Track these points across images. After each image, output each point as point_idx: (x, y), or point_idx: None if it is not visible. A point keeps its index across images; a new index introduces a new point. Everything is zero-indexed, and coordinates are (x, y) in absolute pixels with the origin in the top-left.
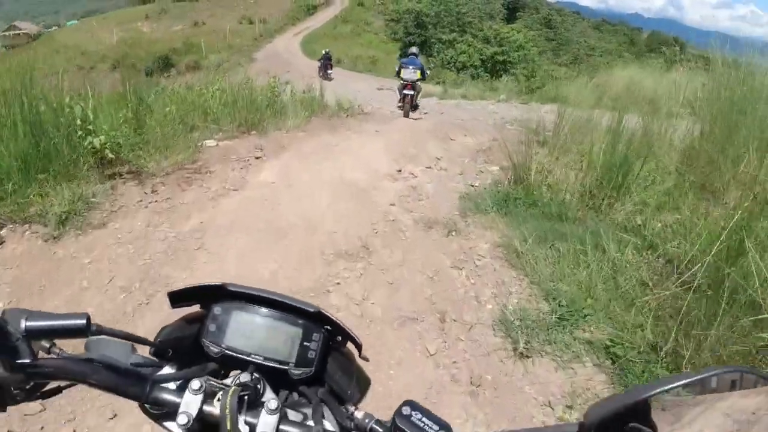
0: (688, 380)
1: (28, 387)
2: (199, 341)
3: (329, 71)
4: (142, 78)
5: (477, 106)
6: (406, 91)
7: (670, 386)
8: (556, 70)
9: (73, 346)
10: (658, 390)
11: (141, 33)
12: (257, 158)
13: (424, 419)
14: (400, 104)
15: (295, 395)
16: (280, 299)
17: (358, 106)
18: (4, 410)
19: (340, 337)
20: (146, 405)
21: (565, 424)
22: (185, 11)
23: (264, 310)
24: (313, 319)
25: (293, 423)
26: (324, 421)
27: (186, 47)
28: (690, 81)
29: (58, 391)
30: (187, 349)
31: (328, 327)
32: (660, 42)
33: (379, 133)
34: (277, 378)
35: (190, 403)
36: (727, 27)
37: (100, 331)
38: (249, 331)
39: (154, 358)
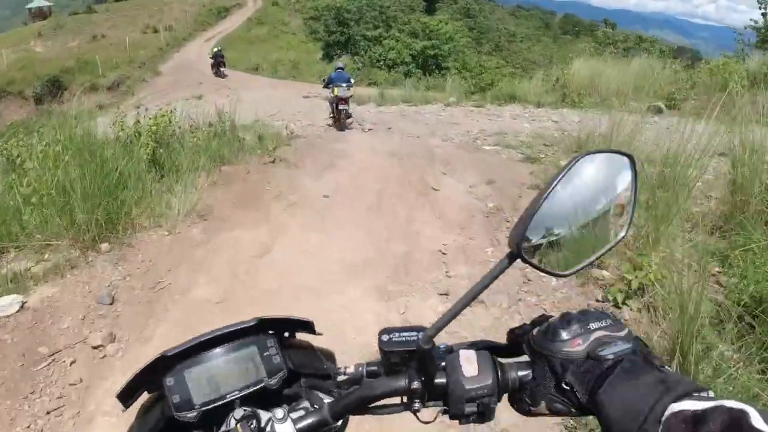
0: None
1: None
2: (171, 418)
3: (222, 69)
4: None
5: (425, 112)
6: (341, 107)
7: None
8: (487, 61)
9: None
10: None
11: (33, 53)
12: (97, 349)
13: (402, 334)
14: (333, 116)
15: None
16: (218, 333)
17: (287, 133)
18: None
19: (287, 333)
20: None
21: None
22: (82, 25)
23: (210, 352)
24: (257, 330)
25: (304, 418)
26: (324, 401)
27: (79, 65)
28: (651, 69)
29: None
30: None
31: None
32: (573, 24)
33: (330, 203)
34: (260, 398)
35: None
36: (632, 4)
37: None
38: (211, 379)
39: None
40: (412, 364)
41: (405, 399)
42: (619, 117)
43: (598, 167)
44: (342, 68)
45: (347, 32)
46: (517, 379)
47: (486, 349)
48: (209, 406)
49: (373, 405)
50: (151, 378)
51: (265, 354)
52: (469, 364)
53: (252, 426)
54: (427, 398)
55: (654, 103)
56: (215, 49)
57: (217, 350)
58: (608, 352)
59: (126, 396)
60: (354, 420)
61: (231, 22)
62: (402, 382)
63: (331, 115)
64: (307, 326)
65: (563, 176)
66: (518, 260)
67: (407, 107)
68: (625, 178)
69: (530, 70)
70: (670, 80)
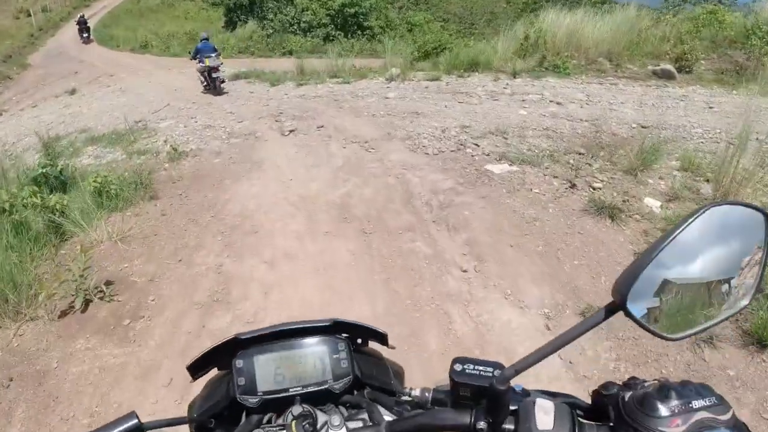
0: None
1: None
2: (234, 399)
3: (85, 35)
4: None
5: (365, 94)
6: (214, 75)
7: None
8: (412, 16)
9: None
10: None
11: None
12: None
13: (477, 367)
14: (205, 85)
15: (342, 407)
16: (293, 327)
17: (167, 156)
18: None
19: (360, 340)
20: None
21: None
22: None
23: (282, 343)
24: (332, 331)
25: (360, 430)
26: (383, 417)
27: None
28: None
29: None
30: (226, 411)
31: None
32: None
33: None
34: (320, 398)
35: None
36: None
37: (150, 425)
38: (278, 370)
39: None
40: (482, 400)
41: None
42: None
43: (724, 222)
44: (206, 38)
45: None
46: None
47: (566, 403)
48: (271, 396)
49: None
50: (223, 357)
51: (334, 356)
52: (545, 414)
53: (306, 426)
54: None
55: (660, 66)
56: (79, 15)
57: (290, 342)
58: None
59: (196, 368)
60: None
61: None
62: (467, 418)
63: (204, 84)
64: (382, 337)
65: (683, 229)
66: (619, 313)
67: (338, 86)
68: (754, 237)
69: (457, 24)
70: (662, 36)
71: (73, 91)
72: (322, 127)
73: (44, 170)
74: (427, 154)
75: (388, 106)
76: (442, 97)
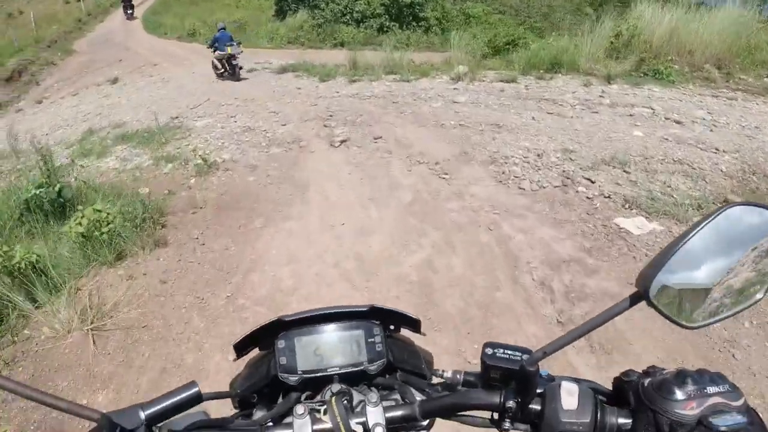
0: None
1: None
2: (275, 377)
3: (129, 11)
4: None
5: (428, 95)
6: (234, 62)
7: None
8: (471, 7)
9: None
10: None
11: None
12: None
13: (507, 351)
14: (223, 72)
15: (375, 388)
16: (333, 311)
17: (197, 169)
18: None
19: (392, 326)
20: None
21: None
22: None
23: (322, 326)
24: (368, 316)
25: (395, 408)
26: (416, 398)
27: None
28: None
29: None
30: (267, 388)
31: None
32: None
33: None
34: (355, 379)
35: (301, 427)
36: None
37: (208, 396)
38: (317, 350)
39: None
40: (511, 382)
41: (495, 415)
42: None
43: (745, 221)
44: (224, 28)
45: None
46: (615, 426)
47: (589, 388)
48: (310, 375)
49: (462, 414)
50: (265, 337)
51: (369, 340)
52: (569, 396)
53: (345, 403)
54: (518, 420)
55: None
56: None
57: (329, 326)
58: (722, 423)
59: (240, 347)
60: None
61: None
62: (497, 398)
63: (219, 72)
64: (414, 323)
65: (706, 224)
66: (641, 302)
67: (396, 84)
68: None
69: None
70: None
71: (115, 80)
72: (379, 138)
73: (38, 191)
74: (523, 189)
75: (459, 114)
76: (525, 104)
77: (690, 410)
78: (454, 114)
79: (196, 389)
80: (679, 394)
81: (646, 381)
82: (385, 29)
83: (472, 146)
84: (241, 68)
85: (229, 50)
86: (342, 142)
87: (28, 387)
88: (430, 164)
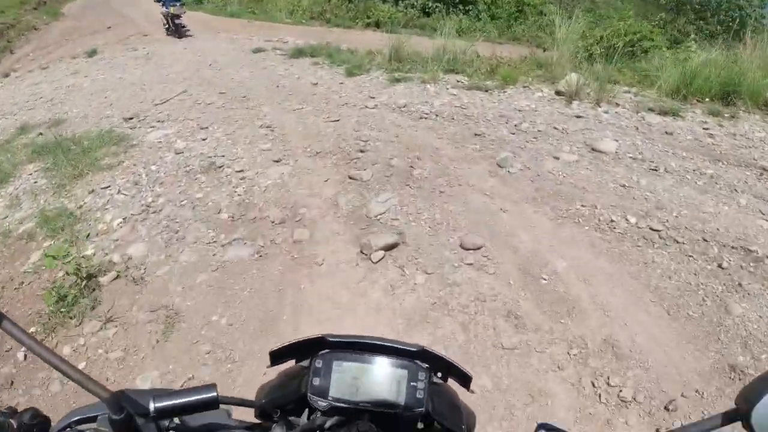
0: None
1: None
2: (304, 396)
3: None
4: None
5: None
6: (177, 21)
7: None
8: None
9: None
10: None
11: None
12: None
13: None
14: (167, 28)
15: None
16: (381, 343)
17: None
18: None
19: (440, 373)
20: None
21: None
22: None
23: (366, 356)
24: (416, 357)
25: None
26: None
27: None
28: None
29: None
30: (293, 405)
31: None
32: None
33: None
34: (387, 421)
35: None
36: None
37: (224, 400)
38: (353, 380)
39: (257, 420)
40: None
41: None
42: None
43: None
44: None
45: None
46: None
47: None
48: (341, 404)
49: None
50: (304, 351)
51: (412, 383)
52: None
53: None
54: None
55: None
56: None
57: (372, 357)
58: None
59: (277, 356)
60: None
61: None
62: None
63: (166, 27)
64: (465, 377)
65: None
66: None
67: (466, 92)
68: None
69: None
70: None
71: (92, 53)
72: (479, 249)
73: None
74: None
75: (632, 193)
76: (737, 176)
77: None
78: (621, 191)
79: (213, 394)
80: None
81: None
82: (428, 11)
83: (725, 332)
84: (184, 27)
85: (171, 10)
86: (389, 249)
87: (49, 350)
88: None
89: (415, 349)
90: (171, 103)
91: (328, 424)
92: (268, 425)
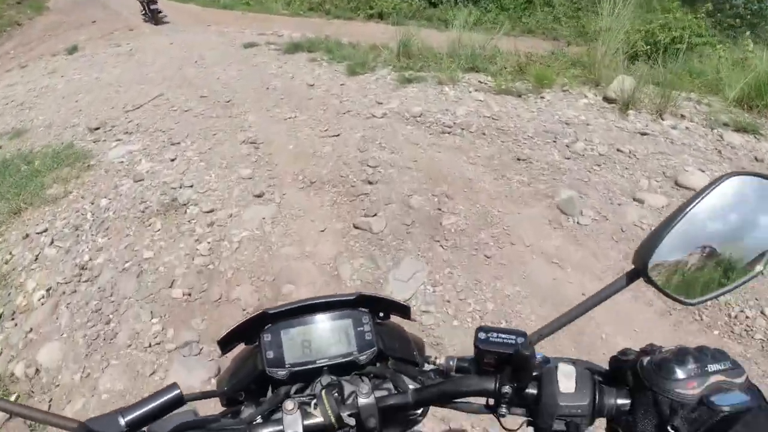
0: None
1: None
2: (263, 372)
3: None
4: None
5: (605, 153)
6: (153, 6)
7: None
8: None
9: None
10: None
11: None
12: None
13: (500, 335)
14: (144, 15)
15: (366, 378)
16: (319, 301)
17: None
18: None
19: (381, 313)
20: None
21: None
22: None
23: (309, 317)
24: (356, 304)
25: (388, 398)
26: (408, 386)
27: None
28: None
29: None
30: (254, 384)
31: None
32: None
33: None
34: (345, 370)
35: (291, 423)
36: None
37: (188, 397)
38: (304, 343)
39: (224, 409)
40: (506, 367)
41: (490, 401)
42: None
43: (744, 192)
44: None
45: None
46: (614, 407)
47: (586, 369)
48: (299, 368)
49: (457, 400)
50: (250, 331)
51: (358, 329)
52: (567, 379)
53: (335, 395)
54: (515, 405)
55: None
56: None
57: (315, 316)
58: (724, 402)
59: (225, 343)
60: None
61: None
62: (492, 384)
63: (143, 14)
64: (404, 310)
65: (704, 196)
66: (639, 280)
67: (493, 97)
68: None
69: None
70: None
71: (72, 50)
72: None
73: None
74: None
75: None
76: None
77: (691, 389)
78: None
79: (177, 392)
80: (680, 374)
81: (645, 360)
82: (434, 1)
83: None
84: (160, 12)
85: None
86: None
87: (7, 401)
88: None
89: (353, 297)
90: (144, 109)
91: (293, 391)
92: (237, 409)
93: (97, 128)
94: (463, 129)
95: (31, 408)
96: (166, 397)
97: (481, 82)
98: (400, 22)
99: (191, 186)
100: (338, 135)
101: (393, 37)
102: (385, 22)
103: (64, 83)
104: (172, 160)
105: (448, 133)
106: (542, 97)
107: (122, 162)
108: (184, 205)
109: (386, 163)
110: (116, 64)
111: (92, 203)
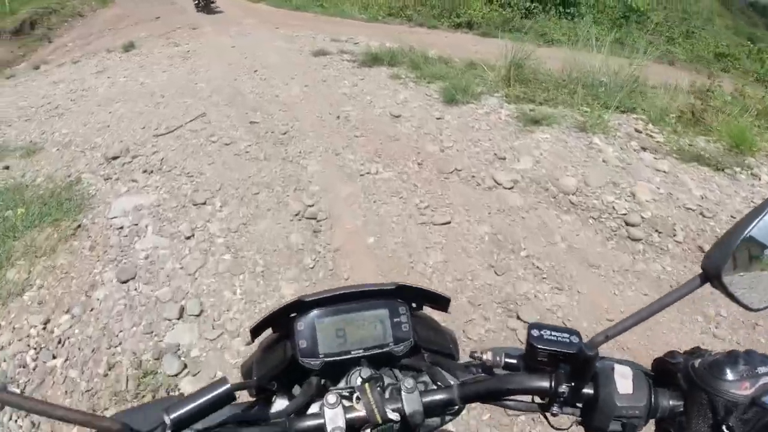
0: None
1: None
2: (295, 360)
3: None
4: None
5: None
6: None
7: None
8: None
9: None
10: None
11: None
12: None
13: (554, 333)
14: (198, 5)
15: (397, 371)
16: (356, 290)
17: None
18: None
19: (414, 304)
20: None
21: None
22: None
23: (344, 306)
24: (393, 294)
25: (432, 393)
26: (450, 381)
27: None
28: None
29: None
30: (285, 373)
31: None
32: None
33: None
34: (380, 362)
35: (334, 418)
36: None
37: (234, 387)
38: (339, 332)
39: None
40: (562, 365)
41: (541, 399)
42: None
43: None
44: None
45: None
46: (668, 408)
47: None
48: (333, 358)
49: (505, 398)
50: (282, 319)
51: (395, 320)
52: (624, 379)
53: (378, 389)
54: (568, 404)
55: None
56: None
57: (351, 305)
58: None
59: (256, 330)
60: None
61: None
62: (547, 382)
63: (196, 3)
64: (443, 302)
65: None
66: (708, 284)
67: (681, 166)
68: None
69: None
70: None
71: (129, 47)
72: None
73: None
74: None
75: None
76: None
77: (744, 390)
78: None
79: (228, 386)
80: (732, 375)
81: (697, 362)
82: (525, 12)
83: None
84: (213, 3)
85: None
86: None
87: (36, 400)
88: None
89: (391, 287)
90: (178, 134)
91: (326, 381)
92: (268, 397)
93: (116, 157)
94: (660, 233)
95: (65, 408)
96: (215, 393)
97: (639, 132)
98: (489, 32)
99: (200, 314)
100: (448, 223)
101: (489, 52)
102: (474, 32)
103: (107, 87)
104: (188, 238)
105: (639, 240)
106: (750, 172)
107: (120, 229)
108: (175, 376)
109: (542, 306)
110: (167, 68)
111: (44, 328)
